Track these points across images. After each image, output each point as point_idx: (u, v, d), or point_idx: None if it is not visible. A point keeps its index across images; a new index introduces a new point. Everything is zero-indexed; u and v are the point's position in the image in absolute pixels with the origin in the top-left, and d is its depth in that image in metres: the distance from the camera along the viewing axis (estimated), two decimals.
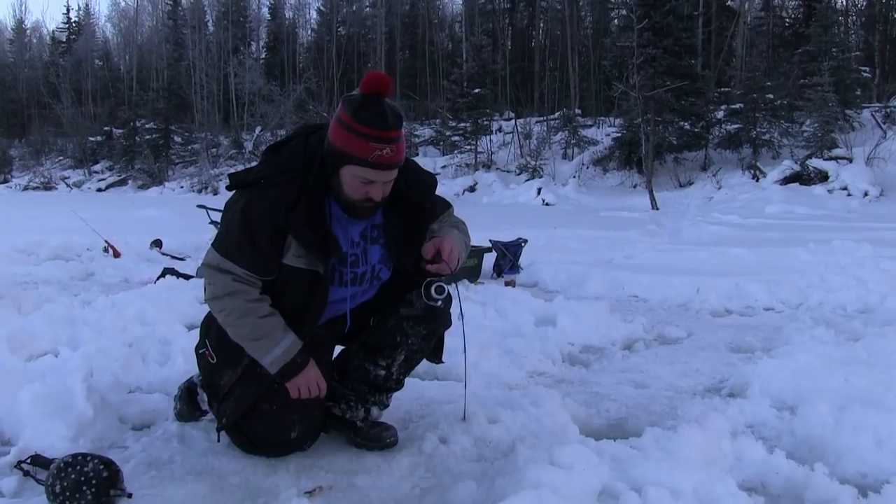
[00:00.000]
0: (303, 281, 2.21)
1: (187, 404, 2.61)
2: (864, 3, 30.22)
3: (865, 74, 21.76)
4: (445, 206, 2.46)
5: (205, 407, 2.56)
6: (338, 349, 2.59)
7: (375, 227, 2.34)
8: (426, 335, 2.42)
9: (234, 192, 2.30)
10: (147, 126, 34.13)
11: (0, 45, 56.59)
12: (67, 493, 1.89)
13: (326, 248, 2.19)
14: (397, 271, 2.42)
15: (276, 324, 2.22)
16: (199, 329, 2.52)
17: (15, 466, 2.17)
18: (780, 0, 30.49)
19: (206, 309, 2.42)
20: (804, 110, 18.98)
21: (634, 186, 20.44)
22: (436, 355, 2.54)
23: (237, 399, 2.29)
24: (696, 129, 21.08)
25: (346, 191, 2.19)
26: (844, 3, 29.26)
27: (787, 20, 29.76)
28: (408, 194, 2.30)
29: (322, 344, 2.41)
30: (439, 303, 2.27)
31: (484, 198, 21.21)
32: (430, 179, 2.43)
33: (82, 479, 1.90)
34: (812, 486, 2.14)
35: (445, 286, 2.24)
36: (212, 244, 2.29)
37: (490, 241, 7.02)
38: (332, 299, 2.31)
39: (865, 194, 15.64)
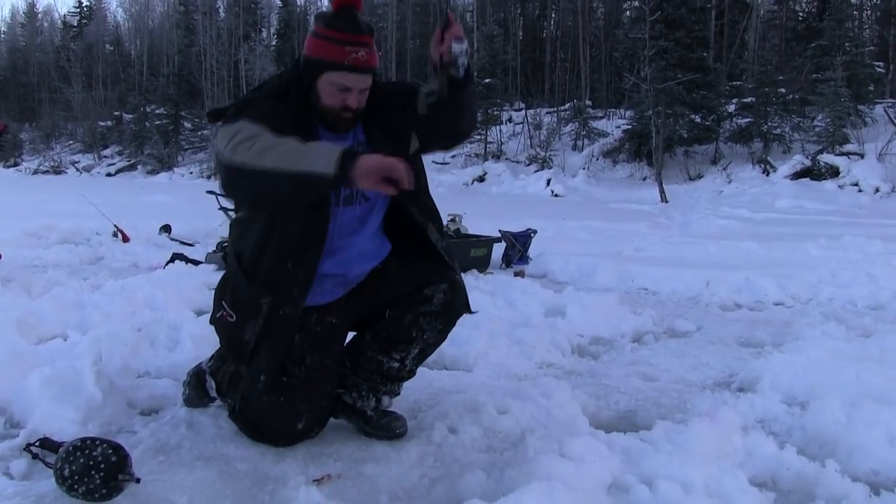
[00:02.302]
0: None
1: (196, 391, 2.61)
2: None
3: (879, 70, 21.53)
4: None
5: (213, 394, 2.56)
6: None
7: (360, 144, 2.32)
8: (442, 329, 2.42)
9: (222, 123, 2.18)
10: (157, 111, 34.24)
11: (12, 29, 56.74)
12: (76, 477, 1.89)
13: None
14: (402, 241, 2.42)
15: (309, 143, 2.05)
16: (210, 308, 2.46)
17: (24, 449, 2.18)
18: None
19: None
20: (816, 105, 18.85)
21: (644, 179, 20.36)
22: (467, 308, 2.48)
23: (272, 346, 2.26)
24: (706, 123, 20.97)
25: (323, 100, 2.21)
26: None
27: (801, 14, 29.50)
28: (384, 101, 2.32)
29: (334, 331, 2.39)
30: (462, 58, 2.15)
31: (493, 188, 21.19)
32: (410, 84, 2.44)
33: (91, 463, 1.89)
34: (823, 483, 2.12)
35: (464, 38, 2.17)
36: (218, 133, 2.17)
37: (499, 231, 7.00)
38: (334, 245, 2.27)
39: (877, 190, 15.54)
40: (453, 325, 2.46)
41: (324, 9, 38.05)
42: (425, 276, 2.37)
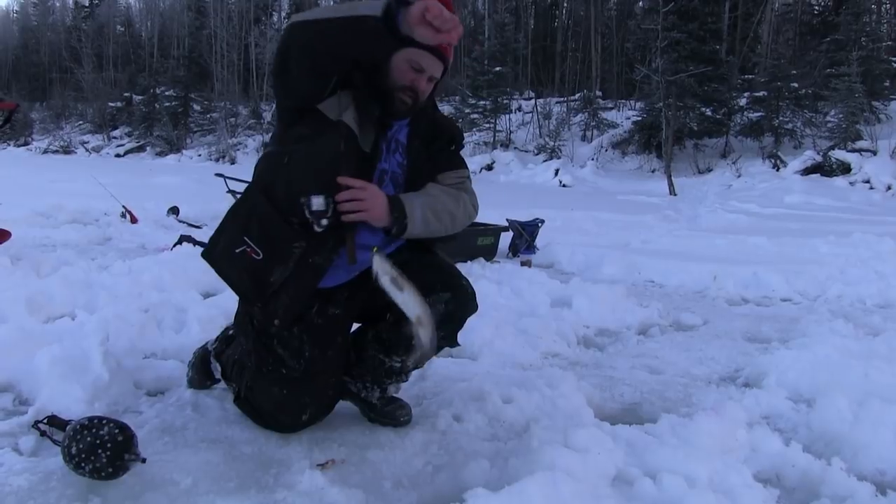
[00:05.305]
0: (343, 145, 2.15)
1: (200, 373, 2.60)
2: None
3: None
4: (463, 165, 2.45)
5: (218, 376, 2.55)
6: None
7: (399, 143, 2.30)
8: (444, 336, 2.29)
9: None
10: (167, 93, 34.28)
11: (24, 9, 56.79)
12: (83, 455, 1.90)
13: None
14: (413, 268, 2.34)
15: None
16: (227, 231, 2.27)
17: (32, 426, 2.19)
18: None
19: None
20: (829, 100, 18.71)
21: (653, 171, 20.29)
22: (452, 339, 2.38)
23: (294, 292, 2.19)
24: (717, 116, 20.86)
25: (393, 76, 2.18)
26: None
27: (817, 7, 29.20)
28: (441, 128, 2.35)
29: (337, 322, 2.33)
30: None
31: (501, 177, 21.16)
32: (459, 130, 2.48)
33: (97, 442, 1.90)
34: (828, 481, 2.11)
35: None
36: None
37: (507, 220, 6.99)
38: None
39: (888, 188, 15.44)
40: (459, 328, 2.37)
41: None
42: (430, 283, 2.18)
